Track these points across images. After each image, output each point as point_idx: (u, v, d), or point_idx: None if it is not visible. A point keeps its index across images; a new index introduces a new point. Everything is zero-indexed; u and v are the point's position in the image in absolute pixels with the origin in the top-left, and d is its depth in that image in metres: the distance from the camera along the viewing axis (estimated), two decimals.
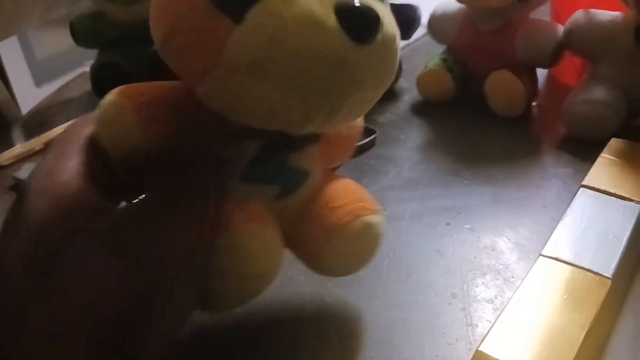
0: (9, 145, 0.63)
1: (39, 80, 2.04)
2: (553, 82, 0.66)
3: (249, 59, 0.23)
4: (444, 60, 0.60)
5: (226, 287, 0.27)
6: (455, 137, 0.55)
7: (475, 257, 0.39)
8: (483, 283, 0.37)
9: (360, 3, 0.24)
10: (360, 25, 0.24)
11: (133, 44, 0.66)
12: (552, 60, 0.56)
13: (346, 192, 0.32)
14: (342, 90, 0.25)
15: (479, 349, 0.28)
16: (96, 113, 0.27)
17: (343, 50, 0.24)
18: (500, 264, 0.38)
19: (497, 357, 0.27)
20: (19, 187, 0.53)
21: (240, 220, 0.27)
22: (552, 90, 0.64)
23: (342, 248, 0.30)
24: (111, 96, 0.27)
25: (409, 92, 0.65)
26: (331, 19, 0.24)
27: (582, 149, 0.50)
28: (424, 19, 0.63)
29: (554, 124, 0.56)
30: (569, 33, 0.54)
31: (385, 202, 0.46)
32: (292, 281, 0.37)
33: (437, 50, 0.63)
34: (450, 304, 0.35)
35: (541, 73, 0.67)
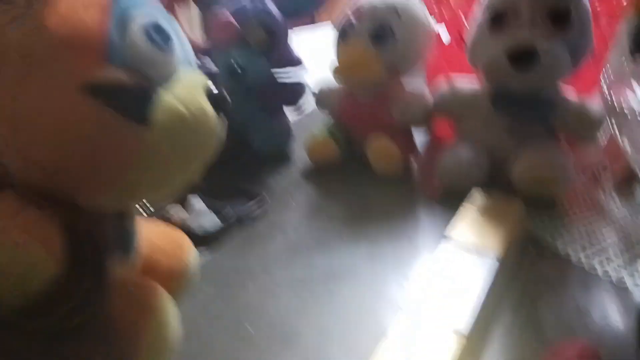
0: None
1: None
2: (434, 138, 0.71)
3: (159, 159, 0.27)
4: (327, 128, 0.64)
5: None
6: (340, 200, 0.58)
7: (351, 320, 0.40)
8: (357, 342, 0.38)
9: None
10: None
11: None
12: (424, 123, 0.61)
13: (163, 232, 0.39)
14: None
15: None
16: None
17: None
18: (376, 322, 0.40)
19: None
20: None
21: None
22: (432, 146, 0.69)
23: (182, 281, 0.38)
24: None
25: (301, 157, 0.67)
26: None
27: (453, 201, 0.54)
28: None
29: (430, 179, 0.60)
30: (435, 102, 0.59)
31: (270, 269, 0.47)
32: None
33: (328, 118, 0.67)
34: None
35: (423, 133, 0.72)
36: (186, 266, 0.38)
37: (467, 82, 0.59)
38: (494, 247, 0.42)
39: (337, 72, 0.61)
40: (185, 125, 0.27)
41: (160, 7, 0.28)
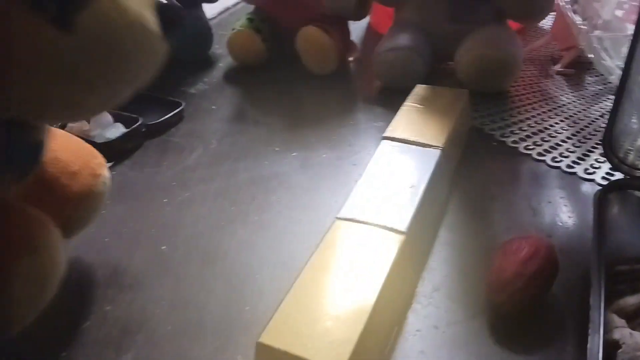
0: None
1: None
2: (372, 36, 0.64)
3: (77, 69, 0.20)
4: (251, 20, 0.55)
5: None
6: (269, 103, 0.51)
7: (282, 232, 0.35)
8: (288, 254, 0.33)
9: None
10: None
11: None
12: (357, 11, 0.54)
13: (76, 150, 0.31)
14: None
15: (260, 340, 0.24)
16: None
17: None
18: (310, 233, 0.35)
19: (278, 347, 0.24)
20: None
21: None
22: (371, 44, 0.63)
23: (88, 208, 0.31)
24: None
25: (224, 59, 0.60)
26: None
27: (394, 100, 0.48)
28: None
29: (369, 77, 0.54)
30: None
31: (188, 183, 0.40)
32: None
33: None
34: (249, 290, 0.31)
35: (361, 28, 0.66)
36: (96, 188, 0.31)
37: None
38: (436, 139, 0.37)
39: None
40: (116, 40, 0.21)
41: None
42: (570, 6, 0.45)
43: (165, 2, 0.22)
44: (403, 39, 0.49)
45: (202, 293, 0.31)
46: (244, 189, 0.39)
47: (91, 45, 0.20)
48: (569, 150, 0.42)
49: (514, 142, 0.43)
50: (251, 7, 0.58)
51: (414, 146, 0.37)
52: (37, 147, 0.26)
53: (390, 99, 0.49)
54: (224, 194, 0.39)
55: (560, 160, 0.41)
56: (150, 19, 0.22)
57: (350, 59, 0.58)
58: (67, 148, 0.31)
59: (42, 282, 0.24)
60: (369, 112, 0.49)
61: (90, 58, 0.20)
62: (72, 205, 0.30)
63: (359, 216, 0.31)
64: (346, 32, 0.56)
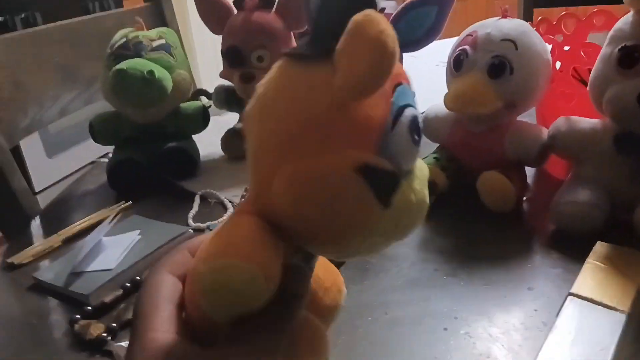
0: (28, 240, 0.66)
1: (50, 152, 2.10)
2: (544, 176, 0.70)
3: (387, 236, 0.29)
4: (437, 159, 0.64)
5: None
6: (451, 234, 0.59)
7: (480, 355, 0.41)
8: None
9: None
10: None
11: (147, 142, 0.71)
12: (538, 160, 0.60)
13: (326, 269, 0.38)
14: None
15: None
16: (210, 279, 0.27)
17: None
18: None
19: None
20: (38, 287, 0.56)
21: None
22: (543, 184, 0.68)
23: (332, 320, 0.37)
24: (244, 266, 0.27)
25: None
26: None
27: (571, 247, 0.53)
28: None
29: (544, 219, 0.59)
30: (552, 138, 0.58)
31: (387, 304, 0.48)
32: None
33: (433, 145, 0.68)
34: None
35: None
36: (340, 302, 0.39)
37: (587, 121, 0.58)
38: (621, 302, 0.41)
39: (450, 102, 0.61)
40: (409, 215, 0.29)
41: (414, 96, 0.30)
42: None
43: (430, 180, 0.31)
44: (583, 194, 0.54)
45: None
46: (436, 319, 0.46)
47: (396, 217, 0.28)
48: None
49: None
50: (434, 145, 0.68)
51: (600, 307, 0.41)
52: (312, 268, 0.34)
53: (566, 246, 0.54)
54: (420, 319, 0.46)
55: None
56: (427, 197, 0.30)
57: (524, 198, 0.63)
58: (322, 267, 0.38)
59: None
60: (546, 256, 0.54)
61: (395, 226, 0.29)
62: (322, 316, 0.37)
63: None
64: (524, 176, 0.63)
